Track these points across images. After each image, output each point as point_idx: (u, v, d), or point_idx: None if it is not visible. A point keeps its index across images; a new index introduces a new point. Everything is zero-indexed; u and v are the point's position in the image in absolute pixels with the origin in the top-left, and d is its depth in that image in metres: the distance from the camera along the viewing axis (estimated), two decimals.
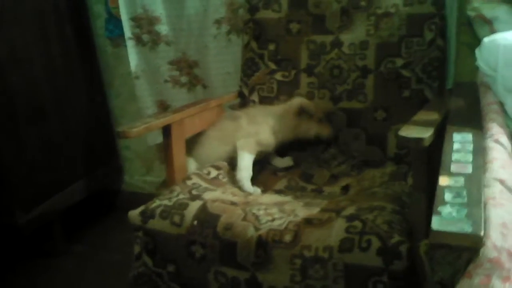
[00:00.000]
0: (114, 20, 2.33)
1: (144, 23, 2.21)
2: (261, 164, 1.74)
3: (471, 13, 1.47)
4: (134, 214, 1.35)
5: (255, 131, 1.69)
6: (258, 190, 1.56)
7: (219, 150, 1.71)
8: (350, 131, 1.72)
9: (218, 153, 1.70)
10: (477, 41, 1.24)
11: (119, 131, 1.41)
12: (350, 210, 1.22)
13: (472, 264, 0.66)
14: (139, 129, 1.42)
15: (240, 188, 1.55)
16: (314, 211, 1.27)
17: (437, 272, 0.70)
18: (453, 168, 0.85)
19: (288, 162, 1.75)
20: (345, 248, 1.10)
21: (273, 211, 1.28)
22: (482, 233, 0.66)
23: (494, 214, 0.72)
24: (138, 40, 2.25)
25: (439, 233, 0.67)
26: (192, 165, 1.70)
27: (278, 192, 1.56)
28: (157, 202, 1.36)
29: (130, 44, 2.25)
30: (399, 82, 1.66)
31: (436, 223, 0.68)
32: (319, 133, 1.70)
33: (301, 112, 1.68)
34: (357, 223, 1.14)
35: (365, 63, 1.72)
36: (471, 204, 0.72)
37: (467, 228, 0.66)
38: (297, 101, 1.72)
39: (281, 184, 1.63)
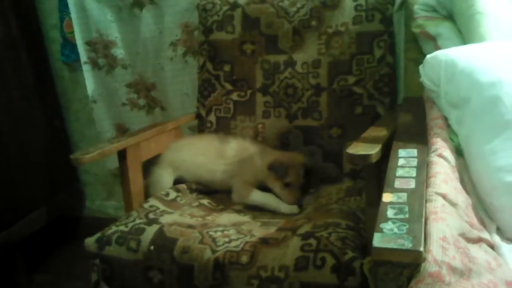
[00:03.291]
0: (69, 45, 2.30)
1: (100, 47, 2.21)
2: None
3: (416, 30, 1.51)
4: (91, 241, 1.34)
5: (239, 171, 1.67)
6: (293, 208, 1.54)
7: (199, 162, 1.70)
8: (306, 149, 1.74)
9: (197, 165, 1.70)
10: (424, 57, 1.26)
11: (72, 158, 1.40)
12: (305, 228, 1.23)
13: (414, 279, 0.67)
14: (92, 155, 1.41)
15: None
16: (271, 230, 1.29)
17: None
18: (397, 183, 0.88)
19: (294, 209, 1.58)
20: (301, 266, 1.10)
21: (230, 232, 1.28)
22: (421, 249, 0.67)
23: (435, 229, 0.74)
24: (94, 64, 2.24)
25: (380, 250, 0.69)
26: (165, 177, 1.70)
27: (238, 211, 1.56)
28: (113, 228, 1.35)
29: (86, 69, 2.24)
30: (352, 99, 1.69)
31: (377, 240, 0.70)
32: (281, 197, 1.59)
33: (271, 168, 1.61)
34: (312, 241, 1.15)
35: (318, 81, 1.74)
36: (412, 220, 0.74)
37: (407, 244, 0.68)
38: (274, 158, 1.63)
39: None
